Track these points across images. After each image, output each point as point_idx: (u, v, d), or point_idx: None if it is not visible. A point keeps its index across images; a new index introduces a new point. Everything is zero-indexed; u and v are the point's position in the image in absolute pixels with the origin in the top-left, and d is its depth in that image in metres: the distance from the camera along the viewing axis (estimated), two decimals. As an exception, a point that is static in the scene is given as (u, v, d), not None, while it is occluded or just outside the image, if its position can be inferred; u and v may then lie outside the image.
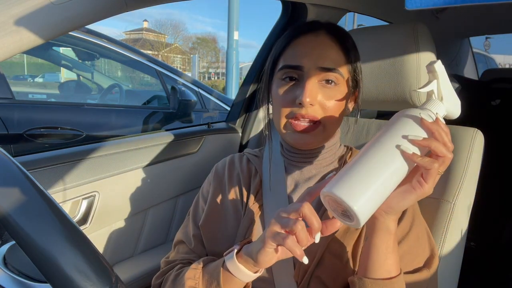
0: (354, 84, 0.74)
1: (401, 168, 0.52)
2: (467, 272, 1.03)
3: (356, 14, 1.65)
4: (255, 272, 0.62)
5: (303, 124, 0.68)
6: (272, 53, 0.75)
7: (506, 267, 1.70)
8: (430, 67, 0.57)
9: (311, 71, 0.68)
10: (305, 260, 0.55)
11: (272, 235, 0.56)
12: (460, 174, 0.81)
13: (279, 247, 0.57)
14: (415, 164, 0.52)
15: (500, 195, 1.77)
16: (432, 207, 0.81)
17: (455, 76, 1.88)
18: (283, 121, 0.70)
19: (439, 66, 0.56)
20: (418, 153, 0.52)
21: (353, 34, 0.99)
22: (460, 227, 0.81)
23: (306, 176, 0.75)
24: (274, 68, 0.74)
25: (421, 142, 0.51)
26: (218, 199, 0.79)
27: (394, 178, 0.52)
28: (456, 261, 0.83)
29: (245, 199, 0.77)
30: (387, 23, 1.48)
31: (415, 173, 0.54)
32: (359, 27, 1.06)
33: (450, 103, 0.57)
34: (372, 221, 0.58)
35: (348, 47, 0.72)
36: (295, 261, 0.68)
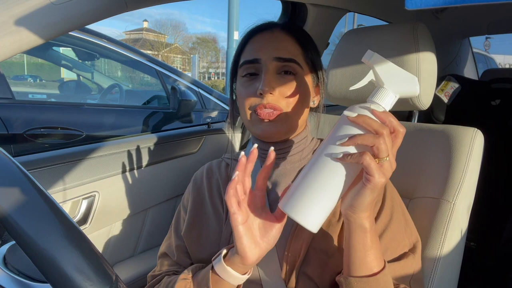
0: (315, 77, 0.76)
1: (342, 172, 0.53)
2: (467, 272, 1.03)
3: (356, 14, 1.65)
4: (244, 274, 0.63)
5: (266, 111, 0.69)
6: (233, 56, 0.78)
7: (506, 267, 1.70)
8: (363, 60, 0.56)
9: (268, 63, 0.70)
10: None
11: (230, 211, 0.58)
12: (460, 174, 0.81)
13: (247, 226, 0.59)
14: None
15: (500, 195, 1.77)
16: (432, 207, 0.81)
17: (455, 76, 1.88)
18: (248, 112, 0.72)
19: (369, 55, 0.56)
20: (355, 151, 0.52)
21: (353, 34, 1.00)
22: (460, 227, 0.81)
23: (281, 173, 0.76)
24: (236, 69, 0.77)
25: (348, 142, 0.52)
26: (199, 207, 0.80)
27: (338, 185, 0.53)
28: (456, 261, 0.82)
29: (225, 204, 0.77)
30: (387, 23, 1.48)
31: None
32: (359, 27, 1.06)
33: (396, 84, 0.56)
34: (345, 222, 0.58)
35: (304, 41, 0.75)
36: (280, 260, 0.68)
